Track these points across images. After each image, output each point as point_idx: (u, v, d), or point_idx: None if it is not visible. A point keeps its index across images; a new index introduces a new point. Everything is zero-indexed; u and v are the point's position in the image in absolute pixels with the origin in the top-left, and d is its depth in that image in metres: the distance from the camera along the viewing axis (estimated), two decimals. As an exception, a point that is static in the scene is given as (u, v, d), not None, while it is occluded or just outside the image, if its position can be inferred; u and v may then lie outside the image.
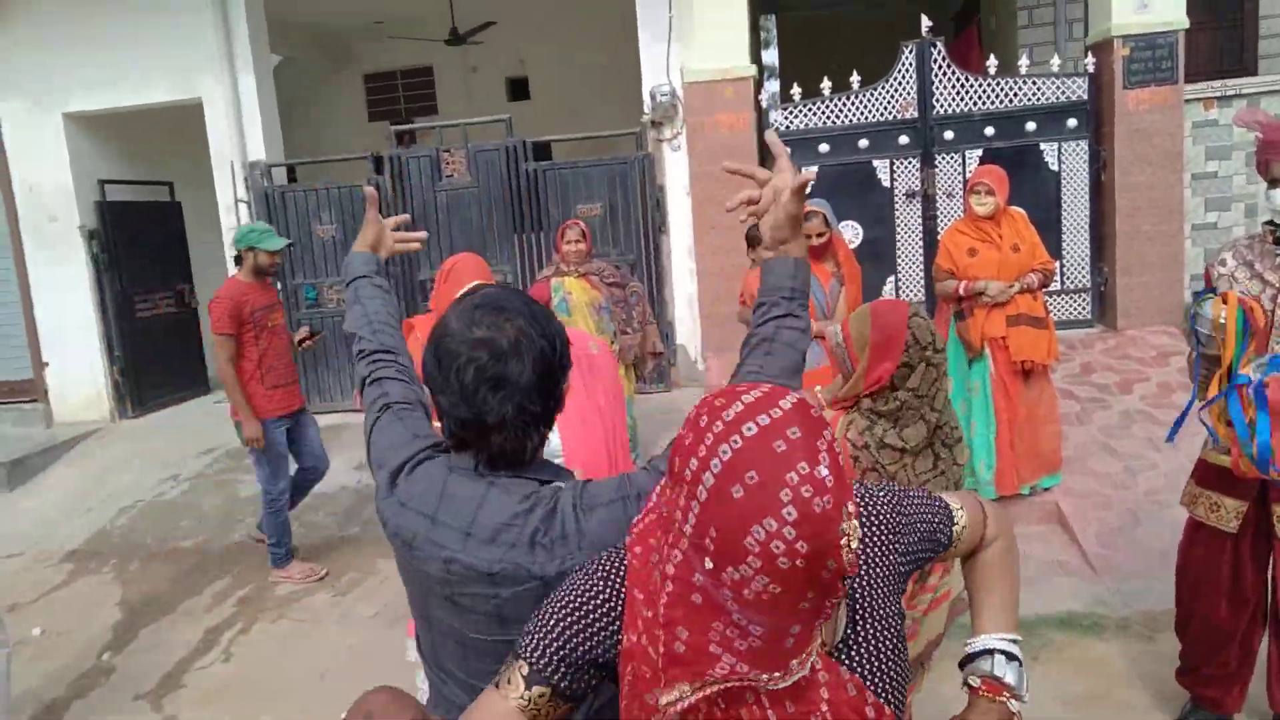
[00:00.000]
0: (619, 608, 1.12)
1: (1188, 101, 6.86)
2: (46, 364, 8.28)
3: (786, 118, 7.25)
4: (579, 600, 1.15)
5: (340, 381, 7.90)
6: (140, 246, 8.55)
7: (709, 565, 0.91)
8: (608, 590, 1.15)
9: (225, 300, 4.83)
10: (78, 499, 6.70)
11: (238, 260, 5.05)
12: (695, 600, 0.95)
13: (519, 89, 12.30)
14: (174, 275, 9.01)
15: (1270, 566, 2.80)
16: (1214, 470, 2.77)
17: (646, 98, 7.17)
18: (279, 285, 7.81)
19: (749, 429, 0.91)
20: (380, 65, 12.37)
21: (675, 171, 7.30)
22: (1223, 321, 2.48)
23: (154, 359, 8.64)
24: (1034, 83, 6.98)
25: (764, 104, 7.21)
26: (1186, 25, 6.69)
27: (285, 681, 4.07)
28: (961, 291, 4.64)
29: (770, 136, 1.58)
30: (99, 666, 4.41)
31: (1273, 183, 2.55)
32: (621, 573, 1.15)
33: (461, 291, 3.63)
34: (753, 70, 7.15)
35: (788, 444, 0.89)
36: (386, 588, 4.97)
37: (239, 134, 7.74)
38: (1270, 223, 2.68)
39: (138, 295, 8.53)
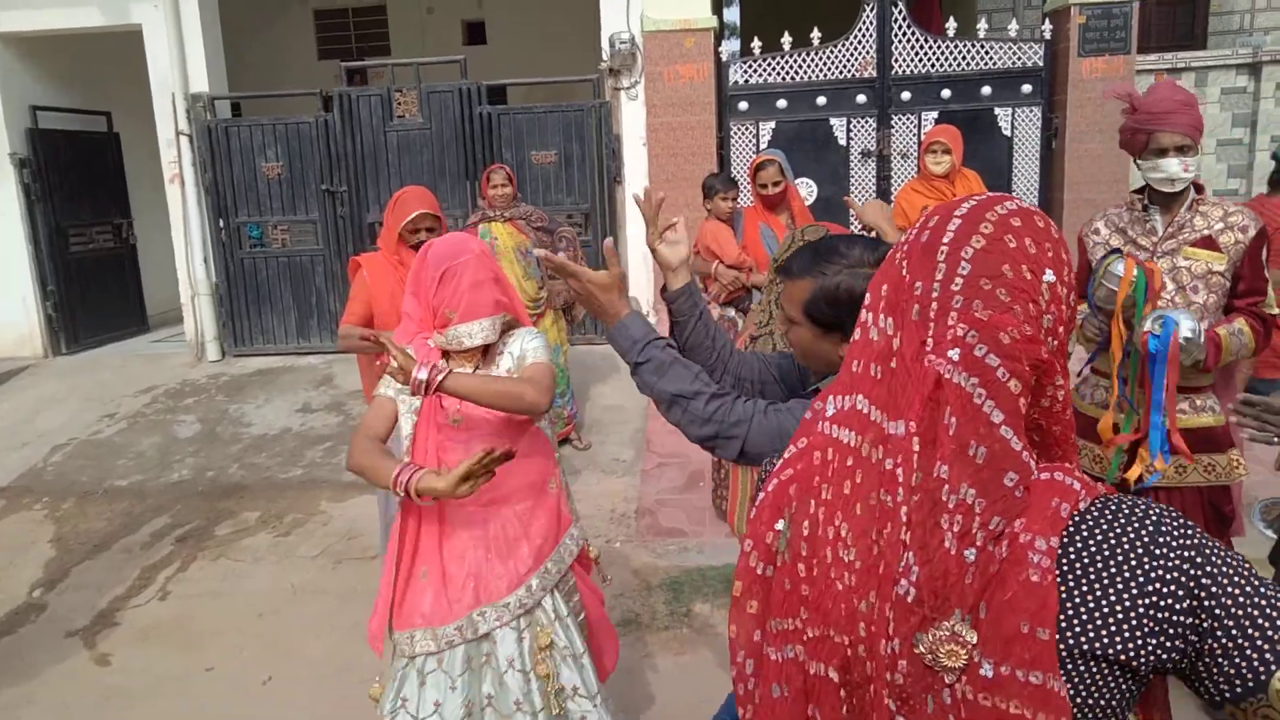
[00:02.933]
0: None
1: (1139, 72, 6.96)
2: (-26, 297, 7.98)
3: (745, 72, 7.20)
4: None
5: (284, 321, 7.74)
6: (75, 177, 8.24)
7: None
8: None
9: None
10: (7, 436, 6.50)
11: None
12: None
13: (476, 33, 12.02)
14: (111, 209, 8.71)
15: None
16: (1093, 422, 2.83)
17: (605, 45, 7.06)
18: (222, 223, 7.61)
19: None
20: (332, 2, 11.99)
21: (632, 121, 7.22)
22: (1134, 279, 2.56)
23: (90, 295, 8.38)
24: (991, 47, 7.02)
25: (723, 57, 7.14)
26: (1142, -4, 6.77)
27: (222, 621, 4.02)
28: None
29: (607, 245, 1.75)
30: (29, 603, 4.31)
31: (1160, 152, 2.64)
32: None
33: (406, 219, 3.59)
34: (713, 22, 7.07)
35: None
36: (329, 530, 4.93)
37: (180, 64, 7.45)
38: (1138, 191, 2.81)
39: (72, 228, 8.23)
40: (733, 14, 13.55)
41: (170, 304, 8.61)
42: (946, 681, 0.88)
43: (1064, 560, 0.89)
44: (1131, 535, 0.89)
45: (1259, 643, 0.85)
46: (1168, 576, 0.87)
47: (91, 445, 6.28)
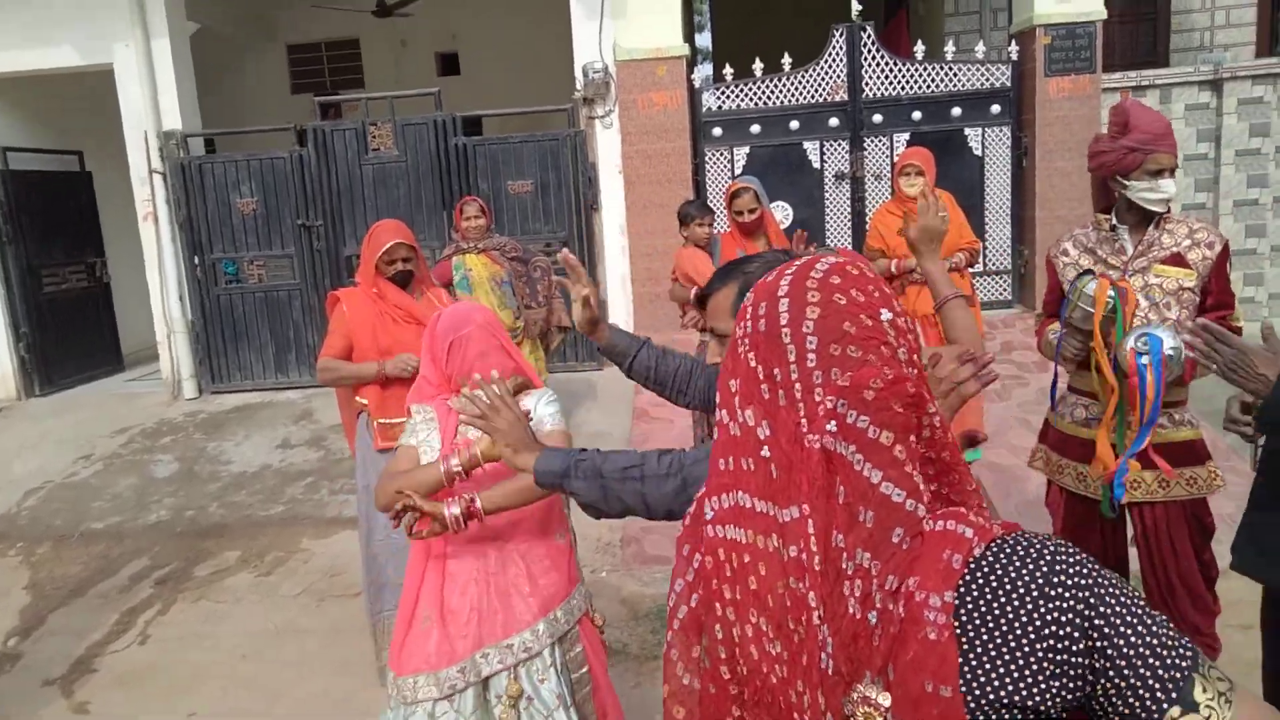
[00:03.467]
0: None
1: (1105, 90, 7.08)
2: (-55, 340, 7.87)
3: (718, 98, 7.27)
4: None
5: (262, 357, 7.68)
6: (47, 217, 8.17)
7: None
8: None
9: None
10: (-19, 481, 6.39)
11: None
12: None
13: (449, 64, 12.07)
14: (84, 248, 8.64)
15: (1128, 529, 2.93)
16: (1075, 441, 2.88)
17: (579, 74, 7.11)
18: (197, 260, 7.57)
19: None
20: (304, 36, 12.00)
21: (607, 149, 7.26)
22: (1109, 298, 2.60)
23: (63, 335, 8.28)
24: (960, 69, 7.12)
25: (696, 84, 7.21)
26: (1105, 16, 6.90)
27: (205, 664, 3.96)
28: (894, 270, 4.72)
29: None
30: (4, 653, 4.22)
31: (1158, 173, 2.67)
32: None
33: (381, 251, 3.59)
34: (685, 49, 7.14)
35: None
36: (310, 567, 4.87)
37: (153, 102, 7.43)
38: (1104, 211, 2.84)
39: (45, 269, 8.15)
40: (705, 39, 13.70)
41: (146, 342, 8.53)
42: None
43: (962, 612, 0.89)
44: (1026, 578, 0.89)
45: (1150, 682, 0.85)
46: (1063, 619, 0.86)
47: (67, 488, 6.18)
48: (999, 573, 0.89)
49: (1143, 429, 2.60)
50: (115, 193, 8.46)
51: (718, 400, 1.02)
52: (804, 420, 0.93)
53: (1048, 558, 0.90)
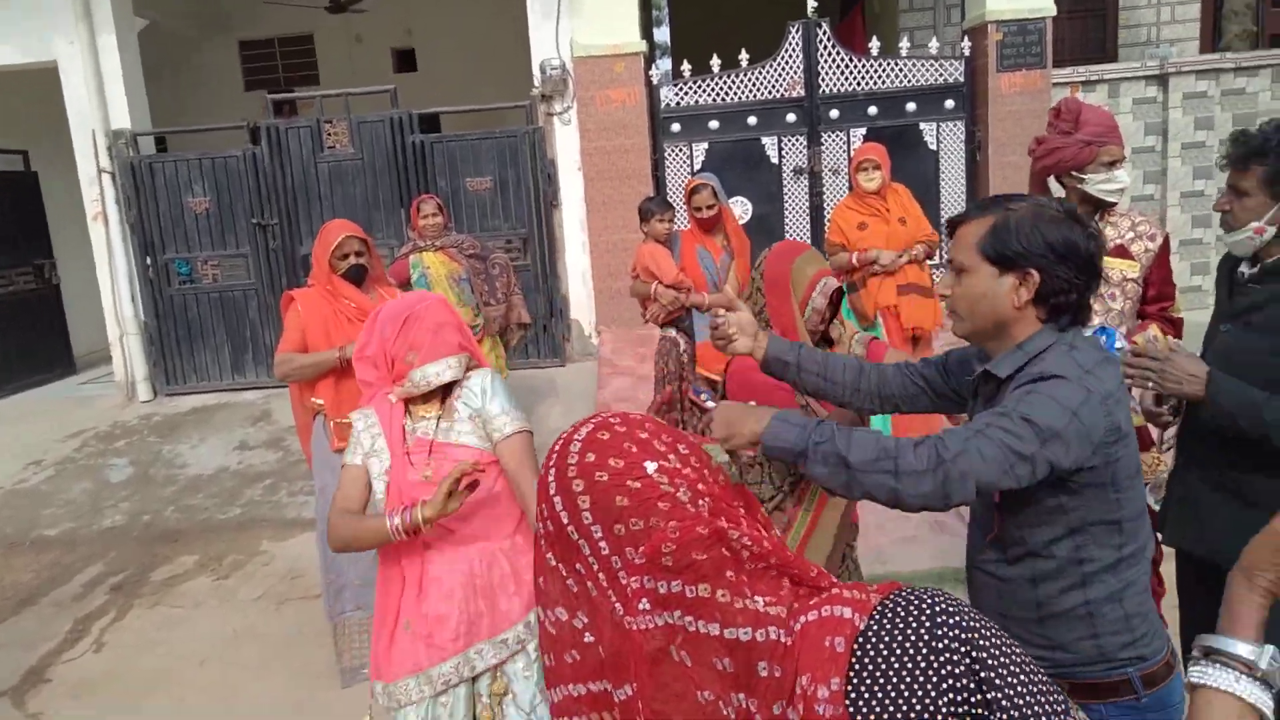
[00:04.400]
0: None
1: (1056, 85, 7.20)
2: (-113, 345, 7.66)
3: (677, 94, 7.29)
4: None
5: (219, 357, 7.56)
6: (-9, 219, 7.98)
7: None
8: None
9: None
10: (-73, 489, 6.24)
11: None
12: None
13: (406, 60, 11.96)
14: (32, 250, 8.45)
15: None
16: None
17: (536, 71, 7.09)
18: (149, 260, 7.44)
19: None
20: (257, 32, 11.81)
21: (566, 145, 7.25)
22: None
23: (12, 339, 8.10)
24: (914, 65, 7.21)
25: (655, 80, 7.22)
26: (1054, 12, 7.02)
27: (162, 670, 3.89)
28: (855, 261, 4.78)
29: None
30: (-46, 664, 4.13)
31: (1111, 165, 2.74)
32: None
33: (333, 245, 3.56)
34: (643, 46, 7.14)
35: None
36: (270, 570, 4.81)
37: (100, 100, 7.27)
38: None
39: (-9, 271, 7.97)
40: (664, 34, 13.70)
41: (98, 344, 8.37)
42: None
43: (853, 693, 0.88)
44: (913, 637, 0.89)
45: None
46: (956, 669, 0.87)
47: (17, 495, 6.05)
48: (886, 640, 0.89)
49: None
50: (63, 193, 8.28)
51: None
52: (618, 606, 0.93)
53: (928, 612, 0.90)
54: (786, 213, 7.39)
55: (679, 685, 0.91)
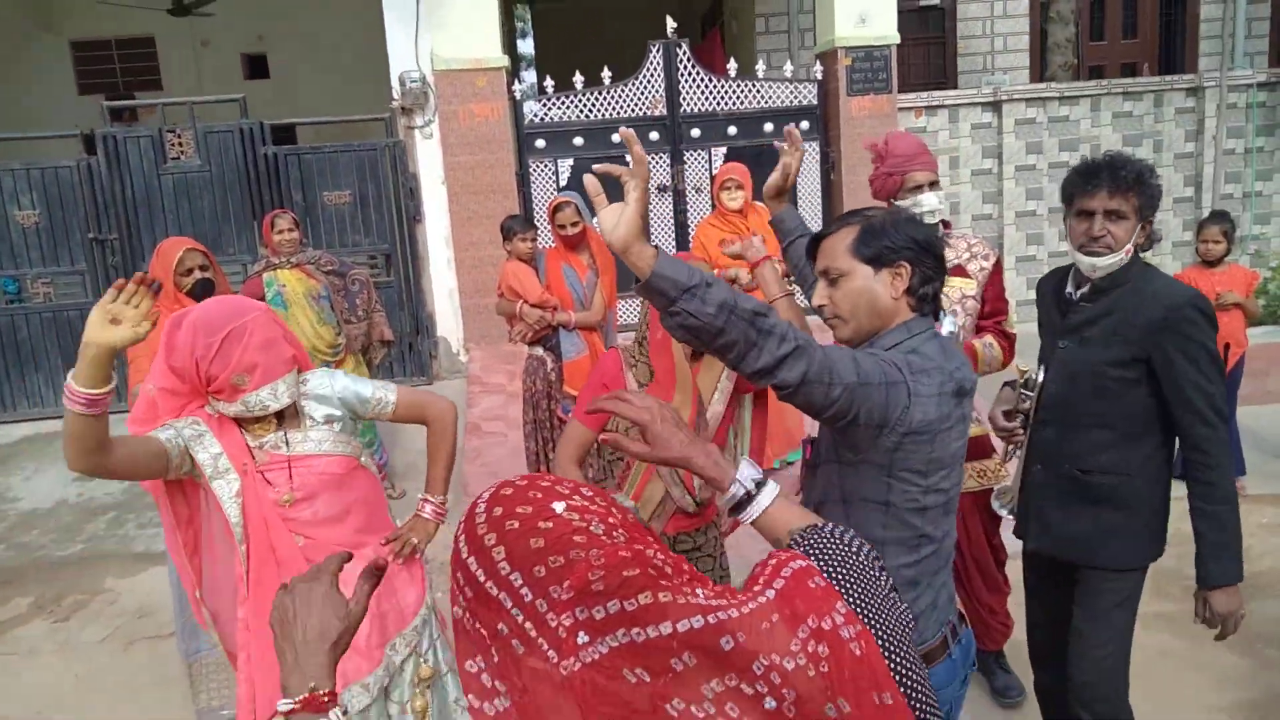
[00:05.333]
0: None
1: (901, 110, 7.61)
2: None
3: (541, 110, 7.30)
4: None
5: (53, 382, 7.05)
6: None
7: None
8: None
9: None
10: None
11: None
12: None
13: (257, 67, 11.51)
14: None
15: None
16: None
17: (395, 84, 6.95)
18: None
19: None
20: (91, 32, 11.12)
21: (429, 160, 7.13)
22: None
23: None
24: (770, 87, 7.47)
25: (518, 95, 7.21)
26: (898, 40, 7.41)
27: (-7, 725, 3.61)
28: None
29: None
30: None
31: (916, 189, 2.89)
32: None
33: (176, 258, 3.38)
34: (505, 61, 7.12)
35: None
36: (117, 609, 4.52)
37: (-88, 103, 6.69)
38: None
39: None
40: (528, 46, 13.67)
41: (-91, 370, 7.64)
42: None
43: (854, 606, 0.97)
44: (854, 555, 1.06)
45: None
46: (880, 568, 1.09)
47: None
48: (836, 564, 1.03)
49: None
50: None
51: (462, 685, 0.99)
52: (553, 652, 0.91)
53: (840, 536, 1.08)
54: (651, 230, 7.51)
55: (642, 703, 0.89)
